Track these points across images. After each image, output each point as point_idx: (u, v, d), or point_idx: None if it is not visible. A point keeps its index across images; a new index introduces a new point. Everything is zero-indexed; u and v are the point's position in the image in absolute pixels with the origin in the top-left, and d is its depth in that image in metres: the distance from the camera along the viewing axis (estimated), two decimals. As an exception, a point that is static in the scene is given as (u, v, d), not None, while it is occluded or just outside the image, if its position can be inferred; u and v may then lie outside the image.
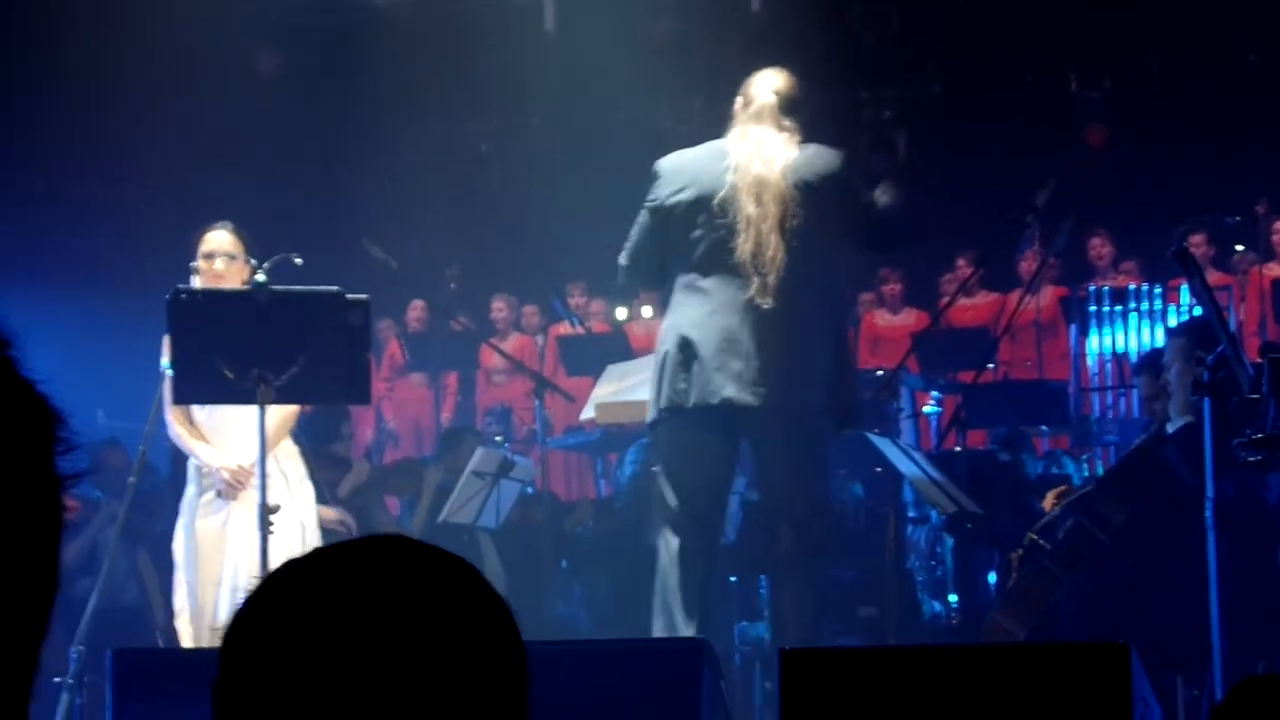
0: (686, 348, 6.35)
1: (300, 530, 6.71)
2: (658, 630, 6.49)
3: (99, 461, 8.75)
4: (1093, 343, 11.93)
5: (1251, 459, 6.02)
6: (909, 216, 6.66)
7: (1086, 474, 9.75)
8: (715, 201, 6.37)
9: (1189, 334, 7.18)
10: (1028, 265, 11.86)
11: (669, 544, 6.50)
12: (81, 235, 12.32)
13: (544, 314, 13.65)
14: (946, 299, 11.91)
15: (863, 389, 6.98)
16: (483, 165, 15.17)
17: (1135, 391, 10.43)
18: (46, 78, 11.72)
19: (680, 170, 6.49)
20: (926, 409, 10.88)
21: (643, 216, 6.57)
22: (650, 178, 6.59)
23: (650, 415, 6.56)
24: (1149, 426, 7.42)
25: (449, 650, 1.36)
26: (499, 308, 13.52)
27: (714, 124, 7.03)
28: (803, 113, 6.55)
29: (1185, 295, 11.27)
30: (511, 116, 14.75)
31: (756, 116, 6.48)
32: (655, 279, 6.83)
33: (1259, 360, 6.21)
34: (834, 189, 6.42)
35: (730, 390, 6.30)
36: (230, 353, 6.19)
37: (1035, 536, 7.13)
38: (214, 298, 6.55)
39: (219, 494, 6.82)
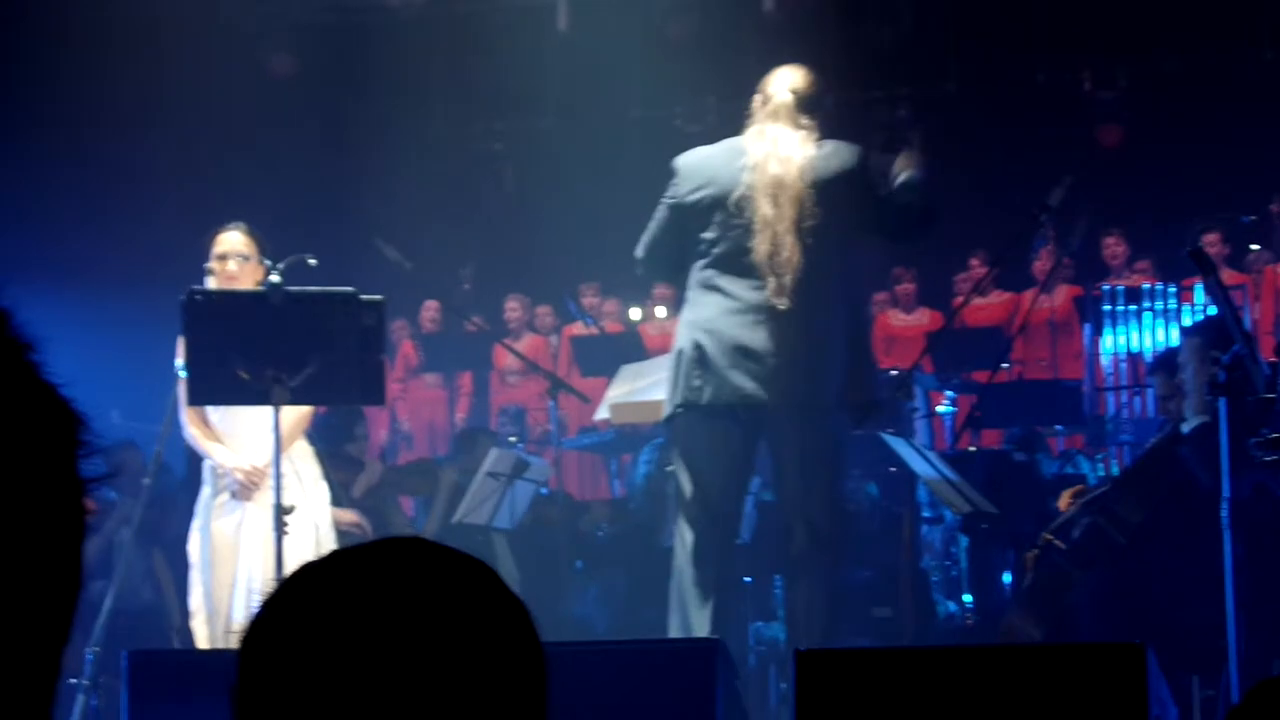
0: (702, 346, 6.36)
1: (314, 531, 6.72)
2: (673, 628, 6.50)
3: (116, 464, 8.76)
4: (1107, 342, 11.91)
5: (1267, 458, 6.01)
6: (929, 196, 6.64)
7: (1101, 474, 9.74)
8: (732, 201, 6.38)
9: (1204, 333, 7.17)
10: (1042, 265, 11.84)
11: (684, 541, 6.51)
12: (94, 236, 12.34)
13: (558, 314, 13.65)
14: (961, 298, 11.89)
15: (879, 388, 6.96)
16: (496, 165, 15.16)
17: (1150, 391, 10.41)
18: (59, 79, 11.73)
19: (698, 168, 6.50)
20: (941, 409, 10.87)
21: (661, 211, 6.59)
22: (668, 174, 6.61)
23: (666, 411, 6.57)
24: (1164, 426, 7.40)
25: (468, 652, 1.36)
26: (512, 308, 13.52)
27: (727, 124, 7.03)
28: (821, 110, 6.55)
29: (1200, 294, 11.25)
30: (525, 117, 14.75)
31: (774, 115, 6.49)
32: (671, 273, 6.85)
33: (1274, 359, 6.20)
34: (851, 185, 6.42)
35: (746, 388, 6.31)
36: (245, 354, 6.20)
37: (1051, 536, 7.12)
38: (228, 299, 6.56)
39: (233, 495, 6.83)
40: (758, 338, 6.32)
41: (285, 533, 6.25)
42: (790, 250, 6.30)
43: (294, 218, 10.51)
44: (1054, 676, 4.05)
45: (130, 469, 8.85)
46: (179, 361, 6.63)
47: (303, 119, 13.40)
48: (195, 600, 6.87)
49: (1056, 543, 7.07)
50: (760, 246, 6.32)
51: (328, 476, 7.13)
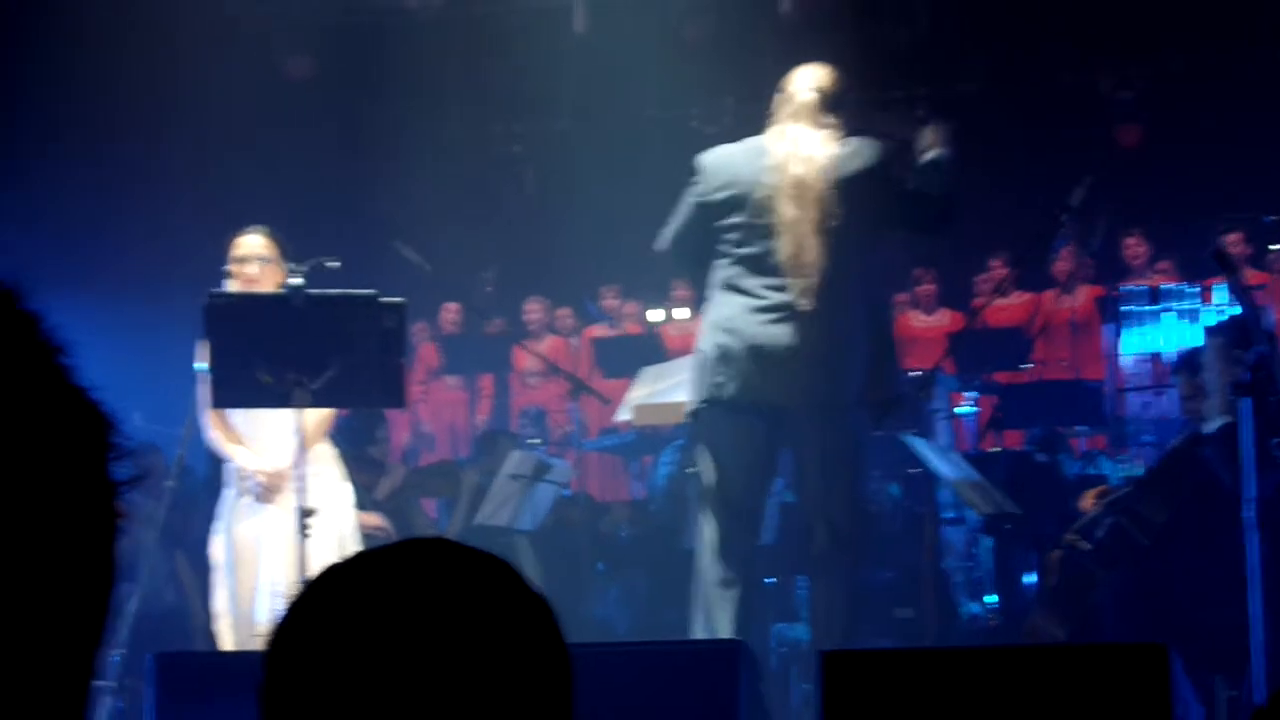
0: (725, 345, 6.38)
1: (337, 533, 6.73)
2: (696, 628, 6.50)
3: (145, 467, 8.77)
4: (1129, 342, 11.88)
5: (1292, 459, 5.99)
6: (954, 178, 6.64)
7: (1124, 474, 9.72)
8: (754, 202, 6.39)
9: (1226, 333, 7.15)
10: (1062, 265, 11.82)
11: (707, 539, 6.52)
12: (111, 239, 12.36)
13: (578, 316, 13.65)
14: (981, 299, 11.88)
15: (901, 386, 6.96)
16: (515, 167, 15.17)
17: (1172, 391, 10.38)
18: (75, 82, 11.75)
19: (721, 168, 6.51)
20: (962, 410, 10.86)
21: (686, 206, 6.60)
22: (687, 175, 6.62)
23: (689, 407, 6.58)
24: (1186, 427, 7.39)
25: (494, 652, 1.36)
26: (533, 310, 13.52)
27: (744, 125, 7.03)
28: (843, 109, 6.55)
29: (1222, 294, 11.22)
30: (543, 119, 14.76)
31: (796, 114, 6.49)
32: (693, 266, 6.87)
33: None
34: (873, 183, 6.42)
35: (768, 387, 6.33)
36: (266, 357, 6.21)
37: (1073, 537, 7.11)
38: (249, 302, 6.57)
39: (255, 497, 6.84)
40: (780, 337, 6.32)
41: (308, 535, 6.26)
42: (813, 251, 6.30)
43: (314, 220, 10.53)
44: (1077, 677, 4.04)
45: (153, 472, 8.87)
46: (200, 364, 6.65)
47: (321, 121, 13.42)
48: (219, 602, 6.88)
49: (1079, 543, 7.06)
50: (783, 248, 6.32)
51: (350, 479, 7.14)
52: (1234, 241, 11.17)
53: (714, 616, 6.43)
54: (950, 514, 8.89)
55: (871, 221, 6.44)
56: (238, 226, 6.99)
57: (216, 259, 6.94)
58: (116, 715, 6.99)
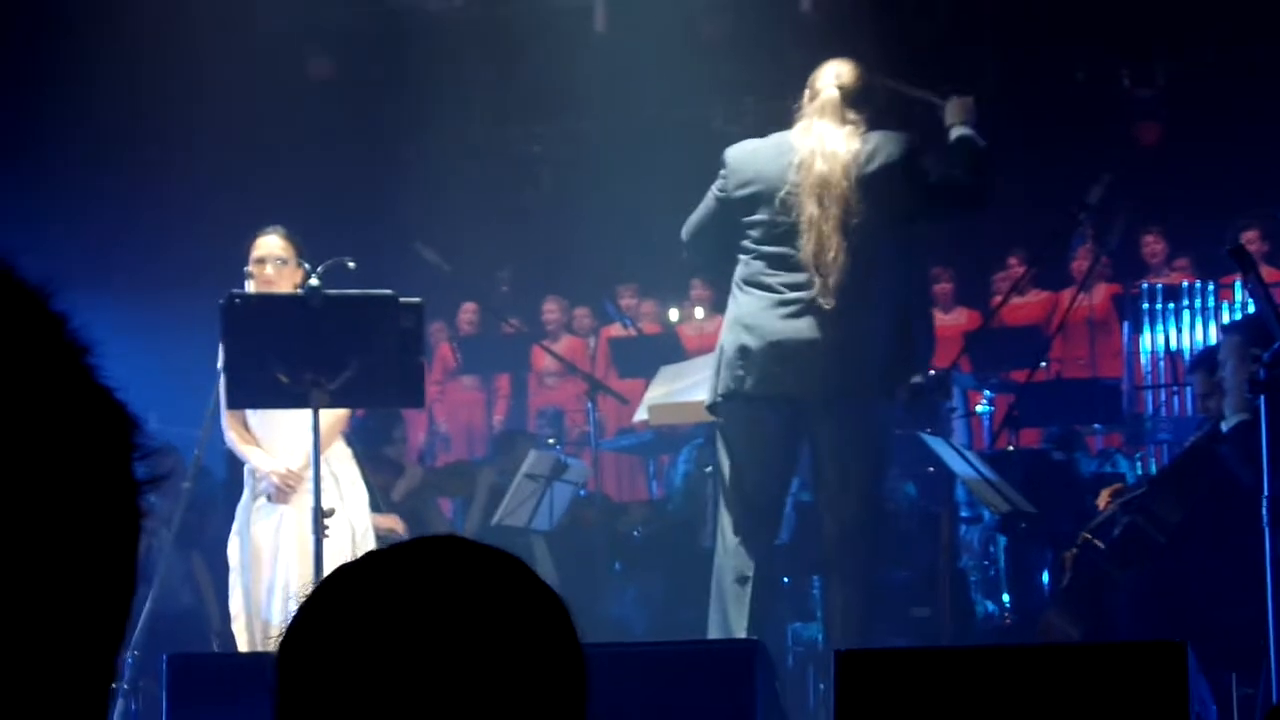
0: (746, 340, 6.40)
1: (351, 533, 6.73)
2: (712, 624, 6.51)
3: (167, 468, 8.78)
4: (1146, 340, 11.86)
5: (1308, 456, 5.98)
6: (983, 155, 6.64)
7: (1140, 472, 9.70)
8: (778, 199, 6.41)
9: (1244, 331, 7.14)
10: (1080, 263, 11.80)
11: (725, 535, 6.53)
12: (132, 241, 12.39)
13: (595, 316, 13.66)
14: (999, 298, 11.87)
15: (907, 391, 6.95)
16: (534, 167, 15.18)
17: (1189, 389, 10.37)
18: (97, 86, 11.78)
19: (747, 163, 6.53)
20: (979, 408, 10.85)
21: (710, 200, 6.63)
22: (706, 175, 6.65)
23: (708, 400, 6.60)
24: (1203, 424, 7.38)
25: (507, 649, 1.36)
26: (550, 310, 13.52)
27: (765, 124, 7.03)
28: (869, 104, 6.56)
29: (1239, 292, 11.20)
30: (562, 119, 14.76)
31: (821, 109, 6.51)
32: (714, 260, 6.89)
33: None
34: (898, 177, 6.43)
35: (788, 381, 6.35)
36: (284, 357, 6.22)
37: (1090, 536, 7.11)
38: (267, 302, 6.58)
39: (269, 498, 6.86)
40: (800, 332, 6.34)
41: (326, 535, 6.27)
42: (836, 249, 6.32)
43: (332, 220, 10.55)
44: (1094, 676, 4.04)
45: (171, 473, 8.89)
46: (222, 365, 6.66)
47: (341, 122, 13.44)
48: (235, 604, 6.90)
49: (1095, 542, 7.05)
50: (806, 246, 6.34)
51: (367, 480, 7.15)
52: (1251, 239, 11.14)
53: (731, 615, 6.44)
54: (966, 513, 8.88)
55: (900, 216, 6.45)
56: (257, 227, 7.00)
57: (237, 260, 6.96)
58: (130, 717, 7.00)
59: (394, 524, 8.36)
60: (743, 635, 6.32)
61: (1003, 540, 8.65)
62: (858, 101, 6.54)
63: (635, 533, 10.07)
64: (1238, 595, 6.32)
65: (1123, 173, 8.95)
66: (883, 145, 6.47)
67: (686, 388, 8.17)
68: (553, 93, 14.10)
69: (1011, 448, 9.17)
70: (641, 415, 8.86)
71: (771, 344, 6.37)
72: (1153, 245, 12.28)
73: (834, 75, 6.57)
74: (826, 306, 6.31)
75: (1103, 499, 7.46)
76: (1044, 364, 10.79)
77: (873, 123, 6.54)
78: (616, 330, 12.68)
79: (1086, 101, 13.84)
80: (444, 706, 1.34)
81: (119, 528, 0.98)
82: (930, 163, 6.60)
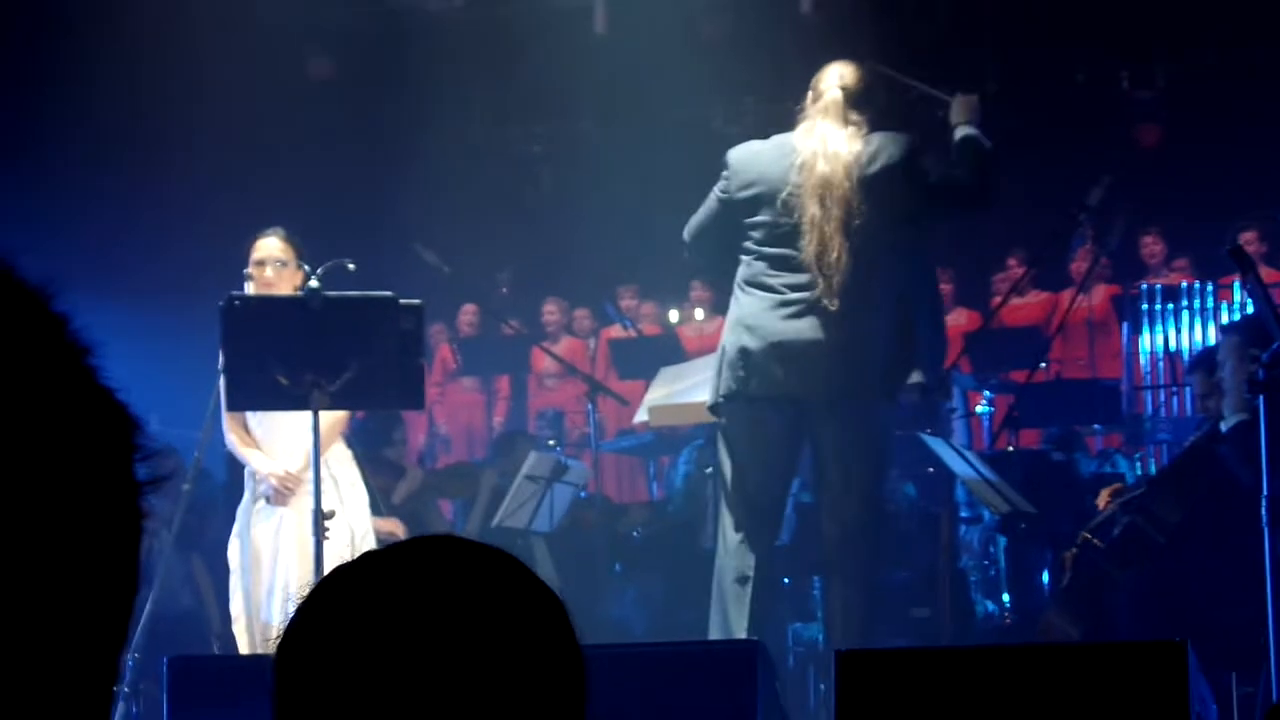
0: (747, 341, 6.40)
1: (350, 535, 6.72)
2: (713, 624, 6.52)
3: (169, 469, 8.76)
4: (1145, 341, 11.87)
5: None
6: (986, 154, 6.65)
7: (1140, 473, 9.71)
8: (780, 199, 6.42)
9: (1243, 331, 7.15)
10: (1079, 264, 11.81)
11: (726, 536, 6.54)
12: (132, 241, 12.39)
13: (595, 317, 13.66)
14: (998, 298, 11.87)
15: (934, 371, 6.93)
16: (534, 168, 15.18)
17: (1188, 390, 10.37)
18: (98, 88, 11.78)
19: (749, 165, 6.54)
20: (979, 409, 10.85)
21: (712, 201, 6.64)
22: (706, 176, 6.66)
23: (710, 401, 6.61)
24: (1202, 425, 7.38)
25: (504, 647, 1.36)
26: (550, 311, 13.52)
27: (766, 124, 7.04)
28: (871, 105, 6.57)
29: (1238, 292, 11.21)
30: (562, 120, 14.76)
31: (824, 110, 6.52)
32: (715, 261, 6.90)
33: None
34: (900, 178, 6.43)
35: (789, 382, 6.36)
36: (284, 359, 6.22)
37: (1089, 536, 7.11)
38: (267, 304, 6.58)
39: (268, 500, 6.86)
40: (802, 332, 6.35)
41: (326, 537, 6.27)
42: (838, 250, 6.33)
43: (332, 222, 10.55)
44: (1094, 675, 4.04)
45: (172, 474, 8.89)
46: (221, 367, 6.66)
47: (341, 123, 13.44)
48: (236, 606, 6.89)
49: (1095, 542, 7.05)
50: (808, 246, 6.35)
51: (367, 482, 7.15)
52: (1250, 240, 11.15)
53: (731, 615, 6.45)
54: (966, 513, 8.89)
55: (902, 216, 6.46)
56: (257, 228, 7.00)
57: (237, 261, 6.96)
58: (131, 719, 7.00)
59: (394, 527, 8.36)
60: (743, 636, 6.32)
61: (1002, 540, 8.66)
62: (860, 103, 6.55)
63: (635, 534, 10.07)
64: (1237, 595, 6.33)
65: (1122, 174, 8.95)
66: (884, 146, 6.47)
67: (687, 389, 8.17)
68: (553, 93, 14.11)
69: (1011, 448, 9.17)
70: (642, 416, 8.87)
71: (773, 345, 6.38)
72: (1152, 246, 12.29)
73: (837, 76, 6.58)
74: (831, 307, 6.32)
75: (1102, 499, 7.46)
76: (1044, 365, 10.79)
77: (874, 124, 6.55)
78: (616, 332, 12.68)
79: (1086, 103, 13.84)
80: (442, 706, 1.34)
81: (121, 529, 0.98)
82: (931, 163, 6.61)
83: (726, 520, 6.56)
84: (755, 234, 6.48)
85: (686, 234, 6.80)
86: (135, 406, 1.01)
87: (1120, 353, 12.16)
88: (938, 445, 7.76)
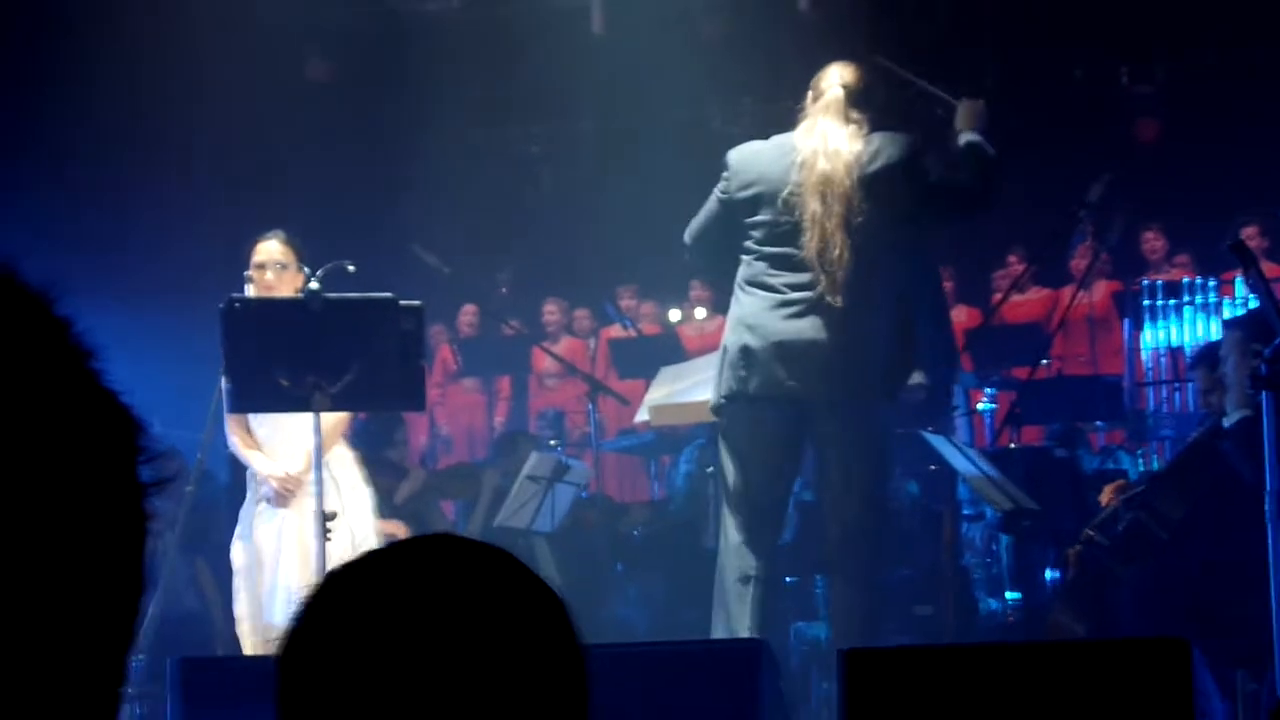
0: (748, 341, 6.41)
1: (351, 537, 6.71)
2: (716, 624, 6.52)
3: (173, 471, 8.75)
4: (1147, 337, 11.86)
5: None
6: (990, 160, 6.65)
7: (1143, 469, 9.71)
8: (781, 198, 6.42)
9: (1245, 327, 7.14)
10: (1080, 261, 11.81)
11: (728, 536, 6.54)
12: (133, 245, 12.38)
13: (595, 317, 13.66)
14: (999, 295, 11.87)
15: (936, 372, 6.93)
16: (533, 169, 15.18)
17: (1191, 385, 10.36)
18: (98, 90, 11.77)
19: (749, 164, 6.54)
20: (980, 406, 10.85)
21: (712, 203, 6.65)
22: (705, 175, 6.67)
23: (712, 402, 6.61)
24: (1205, 420, 7.38)
25: (505, 647, 1.36)
26: (550, 311, 13.52)
27: (764, 124, 7.04)
28: (872, 105, 6.57)
29: (1240, 288, 11.20)
30: (561, 120, 14.76)
31: (824, 109, 6.52)
32: (716, 263, 6.90)
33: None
34: (901, 177, 6.43)
35: (791, 382, 6.36)
36: (284, 361, 6.21)
37: (1093, 533, 7.11)
38: (267, 306, 6.58)
39: (269, 502, 6.86)
40: (803, 332, 6.35)
41: (329, 538, 6.27)
42: (840, 247, 6.33)
43: (332, 223, 10.55)
44: (1098, 672, 4.03)
45: (176, 476, 8.87)
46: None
47: (340, 124, 13.44)
48: (240, 607, 6.90)
49: (1099, 539, 7.05)
50: (810, 244, 6.35)
51: (370, 483, 7.15)
52: (1251, 235, 11.14)
53: (734, 614, 6.44)
54: (969, 510, 8.89)
55: (902, 215, 6.46)
56: (257, 231, 7.00)
57: (237, 262, 6.96)
58: (136, 720, 7.00)
59: (396, 529, 8.35)
60: (746, 635, 6.32)
61: (1005, 538, 8.65)
62: (861, 102, 6.55)
63: (636, 533, 10.06)
64: (1242, 591, 6.32)
65: (1123, 171, 8.96)
66: (885, 146, 6.48)
67: (687, 388, 8.17)
68: (551, 94, 14.10)
69: (1013, 445, 9.16)
70: (642, 416, 8.87)
71: (774, 344, 6.38)
72: (1152, 242, 12.29)
73: (838, 76, 6.59)
74: (835, 304, 6.32)
75: (1105, 495, 7.46)
76: (1045, 361, 10.79)
77: (875, 123, 6.55)
78: (616, 331, 12.67)
79: (1086, 100, 13.84)
80: (444, 705, 1.33)
81: (126, 531, 0.98)
82: (932, 163, 6.61)
83: (728, 520, 6.57)
84: (756, 233, 6.48)
85: (687, 236, 6.79)
86: (138, 409, 1.01)
87: (1122, 349, 12.16)
88: (940, 443, 7.76)
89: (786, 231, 6.41)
